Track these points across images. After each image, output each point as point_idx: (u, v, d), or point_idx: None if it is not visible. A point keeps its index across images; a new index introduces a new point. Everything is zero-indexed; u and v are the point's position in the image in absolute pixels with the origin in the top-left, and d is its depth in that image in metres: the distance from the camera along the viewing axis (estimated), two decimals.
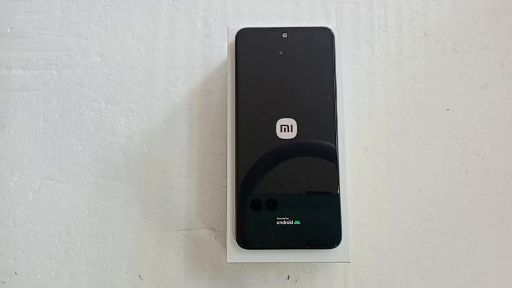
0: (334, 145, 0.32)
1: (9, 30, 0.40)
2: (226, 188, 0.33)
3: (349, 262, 0.34)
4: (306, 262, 0.35)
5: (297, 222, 0.31)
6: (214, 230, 0.36)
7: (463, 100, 0.38)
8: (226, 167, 0.33)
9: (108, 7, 0.40)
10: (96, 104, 0.38)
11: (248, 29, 0.34)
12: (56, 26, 0.40)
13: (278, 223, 0.31)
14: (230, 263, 0.33)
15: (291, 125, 0.32)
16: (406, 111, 0.38)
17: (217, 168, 0.37)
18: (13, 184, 0.37)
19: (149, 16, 0.40)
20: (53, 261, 0.36)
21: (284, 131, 0.32)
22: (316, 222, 0.31)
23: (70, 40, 0.40)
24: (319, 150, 0.32)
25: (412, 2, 0.40)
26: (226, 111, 0.34)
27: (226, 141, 0.34)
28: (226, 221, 0.32)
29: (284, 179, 0.32)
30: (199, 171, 0.37)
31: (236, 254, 0.32)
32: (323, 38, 0.34)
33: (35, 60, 0.39)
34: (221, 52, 0.39)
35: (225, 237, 0.33)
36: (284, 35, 0.34)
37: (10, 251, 0.36)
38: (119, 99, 0.38)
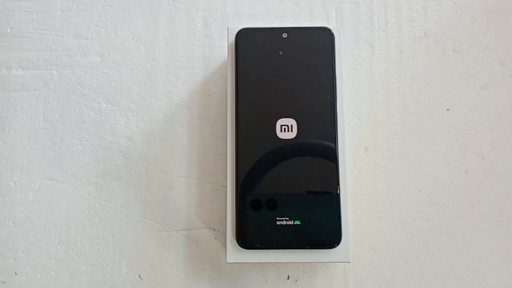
0: (334, 145, 0.32)
1: (9, 30, 0.40)
2: (226, 188, 0.33)
3: (349, 262, 0.34)
4: (306, 262, 0.35)
5: (297, 222, 0.31)
6: (214, 230, 0.36)
7: (463, 100, 0.38)
8: (226, 167, 0.33)
9: (108, 7, 0.40)
10: (96, 104, 0.38)
11: (248, 29, 0.34)
12: (56, 26, 0.40)
13: (278, 223, 0.31)
14: (230, 263, 0.33)
15: (291, 125, 0.32)
16: (406, 111, 0.38)
17: (217, 168, 0.37)
18: (13, 184, 0.37)
19: (149, 16, 0.40)
20: (53, 261, 0.36)
21: (284, 131, 0.32)
22: (316, 222, 0.31)
23: (70, 40, 0.40)
24: (319, 150, 0.32)
25: (412, 2, 0.40)
26: (226, 111, 0.34)
27: (226, 141, 0.34)
28: (226, 221, 0.32)
29: (284, 179, 0.32)
30: (199, 171, 0.37)
31: (236, 254, 0.32)
32: (323, 38, 0.34)
33: (35, 60, 0.39)
34: (221, 52, 0.39)
35: (225, 237, 0.33)
36: (284, 35, 0.34)
37: (10, 251, 0.36)
38: (119, 99, 0.38)
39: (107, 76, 0.39)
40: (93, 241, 0.36)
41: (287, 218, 0.31)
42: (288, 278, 0.35)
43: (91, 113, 0.38)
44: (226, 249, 0.32)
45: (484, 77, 0.38)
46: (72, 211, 0.37)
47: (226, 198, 0.33)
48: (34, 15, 0.40)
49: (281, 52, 0.33)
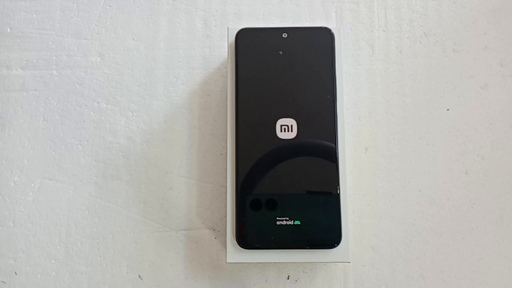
0: (334, 145, 0.32)
1: (9, 30, 0.40)
2: (226, 188, 0.33)
3: (349, 262, 0.34)
4: (306, 262, 0.35)
5: (297, 222, 0.31)
6: (214, 230, 0.36)
7: (463, 100, 0.38)
8: (226, 167, 0.33)
9: (108, 7, 0.40)
10: (96, 104, 0.38)
11: (248, 29, 0.34)
12: (56, 26, 0.40)
13: (278, 223, 0.31)
14: (230, 263, 0.33)
15: (291, 125, 0.32)
16: (406, 111, 0.38)
17: (217, 168, 0.37)
18: (13, 184, 0.37)
19: (149, 16, 0.40)
20: (53, 261, 0.36)
21: (284, 131, 0.32)
22: (316, 222, 0.31)
23: (70, 40, 0.40)
24: (319, 150, 0.32)
25: (412, 2, 0.40)
26: (226, 111, 0.34)
27: (226, 141, 0.34)
28: (226, 221, 0.32)
29: (284, 179, 0.32)
30: (199, 171, 0.37)
31: (236, 254, 0.32)
32: (323, 38, 0.34)
33: (35, 60, 0.39)
34: (221, 52, 0.39)
35: (225, 237, 0.33)
36: (284, 35, 0.34)
37: (10, 251, 0.36)
38: (119, 99, 0.38)
39: (107, 76, 0.39)
40: (93, 241, 0.36)
41: (287, 218, 0.31)
42: (288, 278, 0.35)
43: (91, 113, 0.38)
44: (226, 249, 0.32)
45: (484, 77, 0.38)
46: (72, 211, 0.37)
47: (226, 198, 0.33)
48: (34, 15, 0.40)
49: (281, 52, 0.33)
